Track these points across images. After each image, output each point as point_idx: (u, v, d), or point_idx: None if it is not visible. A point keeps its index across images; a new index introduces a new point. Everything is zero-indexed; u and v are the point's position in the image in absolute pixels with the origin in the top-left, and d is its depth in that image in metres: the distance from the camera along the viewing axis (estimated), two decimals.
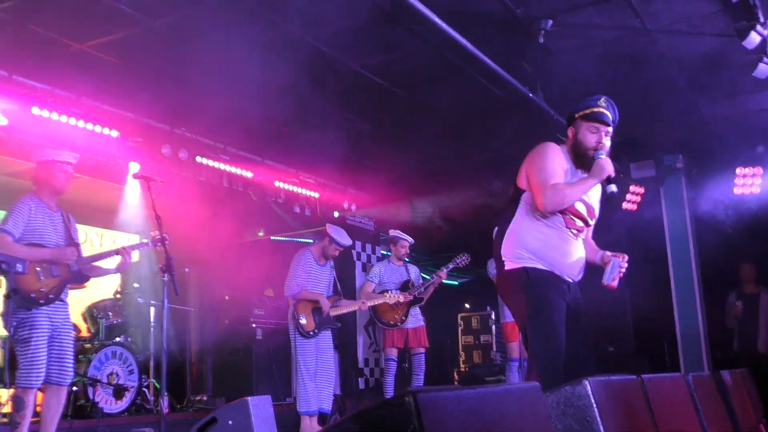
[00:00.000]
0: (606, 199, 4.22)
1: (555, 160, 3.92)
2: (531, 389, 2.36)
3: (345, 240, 7.09)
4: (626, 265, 4.02)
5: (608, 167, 3.83)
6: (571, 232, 3.98)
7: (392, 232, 7.99)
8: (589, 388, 2.49)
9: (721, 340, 9.62)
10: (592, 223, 4.18)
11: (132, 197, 8.22)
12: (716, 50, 6.91)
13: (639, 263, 10.15)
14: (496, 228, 4.07)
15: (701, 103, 8.34)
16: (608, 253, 4.09)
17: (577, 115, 3.98)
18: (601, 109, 3.93)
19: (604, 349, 10.63)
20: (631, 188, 9.75)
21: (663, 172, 9.84)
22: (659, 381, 3.59)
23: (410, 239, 7.94)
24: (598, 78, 7.45)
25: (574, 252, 3.99)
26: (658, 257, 9.95)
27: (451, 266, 7.86)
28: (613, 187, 3.84)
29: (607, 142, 3.95)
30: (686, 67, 7.29)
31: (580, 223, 4.02)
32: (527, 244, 3.90)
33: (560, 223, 3.95)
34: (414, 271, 7.98)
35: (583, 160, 3.94)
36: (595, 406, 2.50)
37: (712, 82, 7.53)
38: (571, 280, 4.00)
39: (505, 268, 3.93)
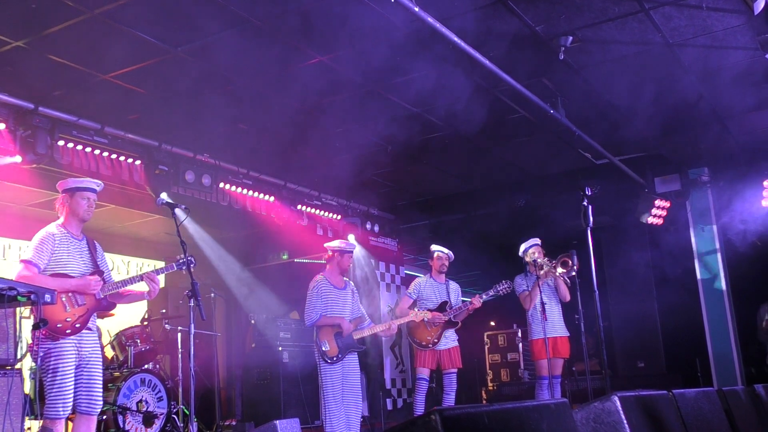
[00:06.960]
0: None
1: None
2: (559, 406, 2.33)
3: (349, 245, 7.16)
4: None
5: None
6: None
7: (432, 247, 7.93)
8: (618, 404, 2.44)
9: (754, 355, 9.43)
10: None
11: None
12: (741, 63, 6.86)
13: (666, 278, 10.08)
14: None
15: (726, 116, 8.27)
16: None
17: None
18: None
19: (634, 366, 10.48)
20: (656, 202, 9.67)
21: (688, 185, 9.76)
22: (692, 396, 3.53)
23: (448, 252, 7.85)
24: (620, 93, 7.43)
25: None
26: (686, 272, 9.83)
27: (491, 293, 7.65)
28: None
29: None
30: (710, 80, 7.23)
31: None
32: None
33: None
34: (454, 289, 7.86)
35: None
36: (625, 422, 2.45)
37: (737, 95, 7.45)
38: None
39: None
